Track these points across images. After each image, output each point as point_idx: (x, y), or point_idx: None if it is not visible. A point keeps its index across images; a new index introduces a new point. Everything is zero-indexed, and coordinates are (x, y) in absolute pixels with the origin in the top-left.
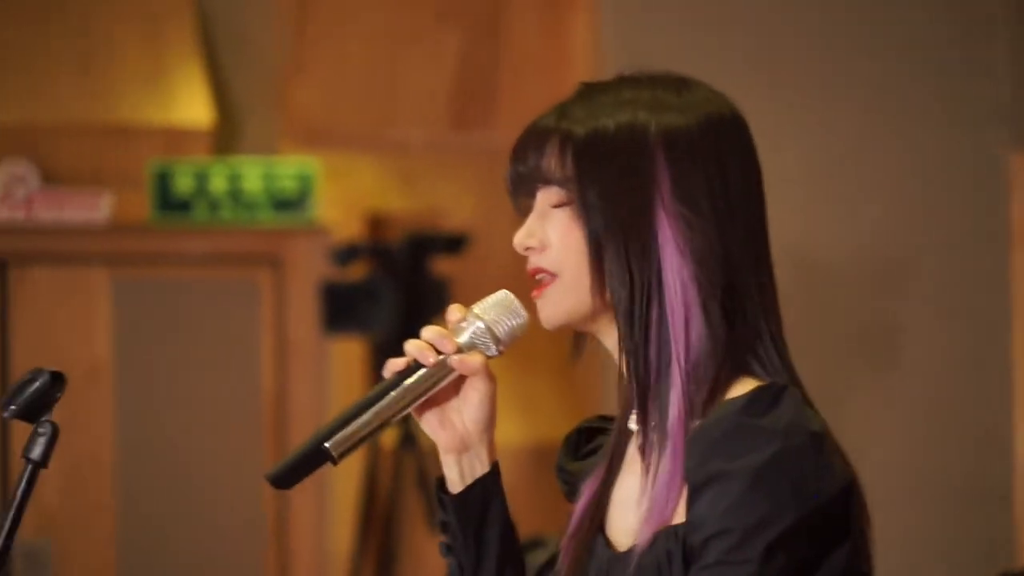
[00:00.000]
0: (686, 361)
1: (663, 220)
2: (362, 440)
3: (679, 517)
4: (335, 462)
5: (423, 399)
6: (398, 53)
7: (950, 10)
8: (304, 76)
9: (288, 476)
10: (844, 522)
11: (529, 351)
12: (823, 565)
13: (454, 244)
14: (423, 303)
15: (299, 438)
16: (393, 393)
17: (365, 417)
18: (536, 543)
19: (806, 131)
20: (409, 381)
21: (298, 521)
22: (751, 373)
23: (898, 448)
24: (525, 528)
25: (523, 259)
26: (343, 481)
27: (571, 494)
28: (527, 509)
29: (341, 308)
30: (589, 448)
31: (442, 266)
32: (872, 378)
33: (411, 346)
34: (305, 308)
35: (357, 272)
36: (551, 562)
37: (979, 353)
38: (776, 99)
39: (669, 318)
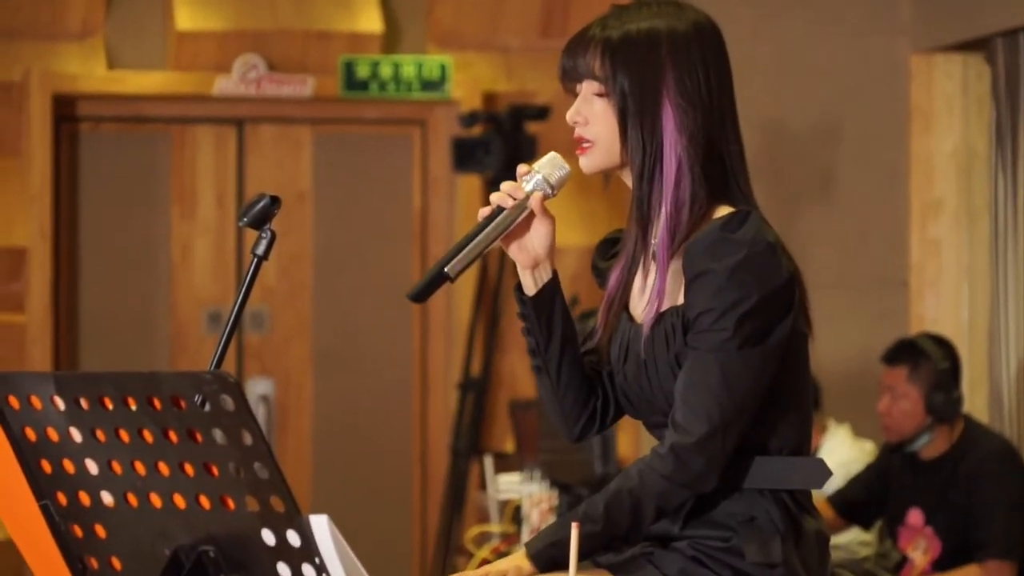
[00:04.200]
0: (673, 206)
1: (667, 109)
2: (468, 264)
3: (679, 300)
4: (452, 280)
5: (506, 232)
6: None
7: None
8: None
9: (422, 292)
10: (790, 301)
11: (587, 182)
12: (776, 329)
13: (541, 113)
14: (520, 152)
15: (436, 244)
16: (486, 229)
17: (469, 247)
18: (591, 312)
19: (775, 36)
20: (496, 219)
21: (434, 297)
22: (728, 203)
23: (833, 251)
24: (585, 302)
25: None
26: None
27: (602, 284)
28: (586, 290)
29: (465, 155)
30: (614, 251)
31: (532, 127)
32: (815, 205)
33: (494, 196)
34: (442, 155)
35: (476, 131)
36: (591, 333)
37: (887, 188)
38: (757, 13)
39: (666, 176)
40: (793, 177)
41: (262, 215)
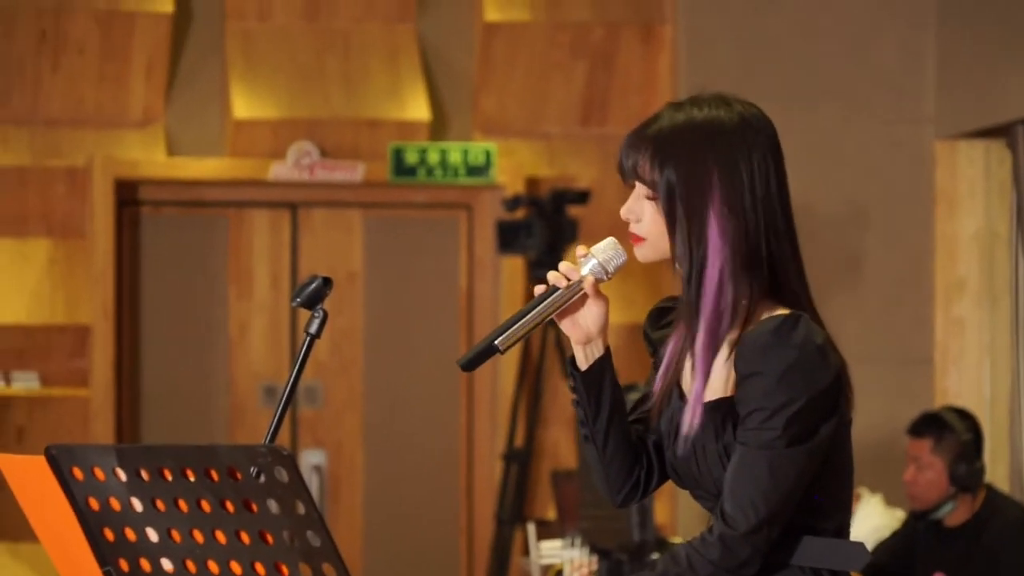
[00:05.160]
0: (713, 313)
1: (712, 217)
2: (520, 338)
3: (730, 391)
4: (502, 352)
5: (559, 310)
6: (547, 76)
7: (901, 56)
8: (488, 90)
9: (472, 362)
10: (836, 399)
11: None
12: (822, 428)
13: (581, 197)
14: (561, 235)
15: (481, 322)
16: (539, 307)
17: (521, 322)
18: (631, 387)
19: (806, 126)
20: (549, 298)
21: (479, 372)
22: (781, 303)
23: (861, 329)
24: (623, 376)
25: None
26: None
27: (654, 353)
28: (623, 365)
29: (509, 237)
30: (665, 321)
31: (573, 211)
32: (845, 286)
33: (551, 275)
34: (487, 237)
35: (520, 214)
36: (642, 400)
37: (912, 269)
38: (789, 105)
39: (709, 281)
40: (823, 259)
41: (315, 296)
